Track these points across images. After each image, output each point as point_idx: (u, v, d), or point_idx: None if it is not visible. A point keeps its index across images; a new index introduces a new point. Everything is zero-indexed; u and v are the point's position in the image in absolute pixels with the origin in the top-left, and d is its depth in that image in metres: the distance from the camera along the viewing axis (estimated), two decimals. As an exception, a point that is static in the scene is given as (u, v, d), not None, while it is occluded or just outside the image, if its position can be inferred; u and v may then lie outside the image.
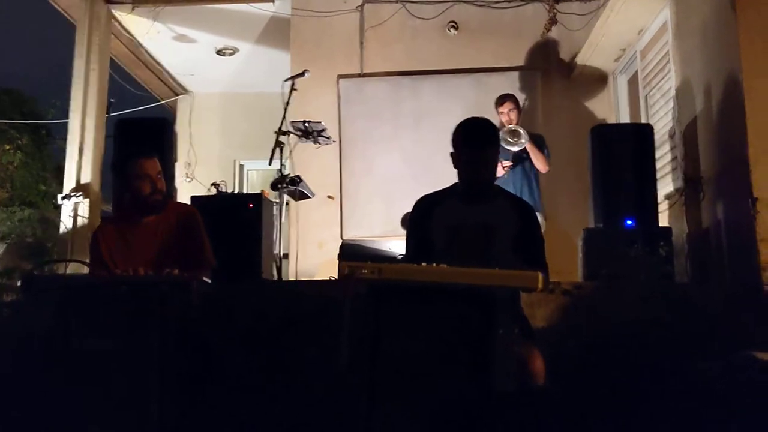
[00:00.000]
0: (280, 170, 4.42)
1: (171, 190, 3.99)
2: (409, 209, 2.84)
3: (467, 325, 2.20)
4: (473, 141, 2.61)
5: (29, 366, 2.77)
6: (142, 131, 4.27)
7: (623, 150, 4.31)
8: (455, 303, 2.23)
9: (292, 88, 4.62)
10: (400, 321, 2.27)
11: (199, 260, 3.11)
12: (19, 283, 2.93)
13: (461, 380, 2.18)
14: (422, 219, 2.71)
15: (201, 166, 8.61)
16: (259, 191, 4.44)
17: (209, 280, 3.00)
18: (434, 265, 2.30)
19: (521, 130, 4.87)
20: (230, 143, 8.84)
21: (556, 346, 3.13)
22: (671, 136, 4.96)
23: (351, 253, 4.50)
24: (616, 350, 3.25)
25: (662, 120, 5.25)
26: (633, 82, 6.20)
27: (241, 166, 9.16)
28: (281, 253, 4.47)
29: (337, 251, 4.91)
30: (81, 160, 6.18)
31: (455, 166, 2.70)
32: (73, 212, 6.06)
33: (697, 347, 3.09)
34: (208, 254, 3.18)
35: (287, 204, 5.92)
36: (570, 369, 3.10)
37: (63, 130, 6.85)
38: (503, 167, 4.78)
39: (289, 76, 4.79)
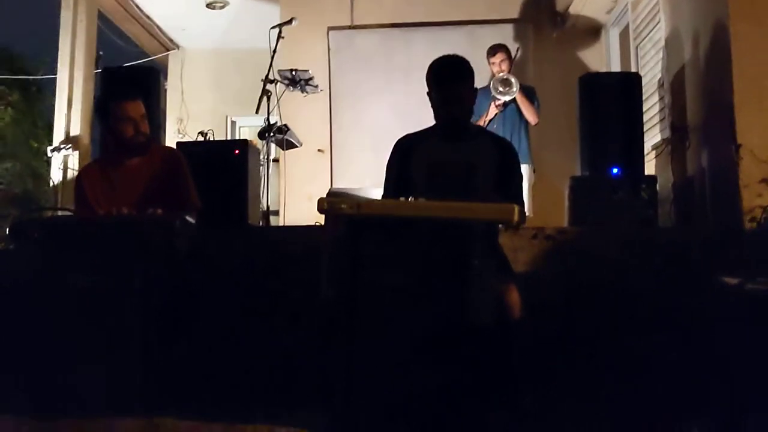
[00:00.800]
0: (267, 119, 4.41)
1: (157, 136, 3.98)
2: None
3: (443, 258, 2.23)
4: (445, 77, 2.62)
5: (18, 306, 2.81)
6: (128, 79, 4.25)
7: (611, 98, 4.29)
8: (432, 236, 2.27)
9: (279, 36, 4.59)
10: (378, 254, 2.30)
11: (184, 202, 3.13)
12: (7, 231, 2.95)
13: (438, 311, 2.21)
14: (403, 157, 2.73)
15: (193, 122, 8.52)
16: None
17: (193, 221, 3.04)
18: (411, 199, 2.34)
19: (513, 79, 4.85)
20: (222, 99, 8.77)
21: (539, 289, 3.17)
22: (660, 86, 4.95)
23: (338, 200, 4.50)
24: (599, 292, 3.30)
25: (652, 71, 5.23)
26: (625, 35, 6.16)
27: (233, 123, 9.11)
28: (269, 206, 4.48)
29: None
30: (70, 112, 6.16)
31: (432, 106, 2.71)
32: (62, 164, 6.06)
33: (679, 286, 3.12)
34: (192, 196, 3.20)
35: (276, 160, 5.93)
36: (552, 311, 3.16)
37: (53, 86, 6.81)
38: (496, 106, 4.78)
39: (276, 24, 4.75)
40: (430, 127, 2.79)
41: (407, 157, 2.72)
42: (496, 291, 2.34)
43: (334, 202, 2.34)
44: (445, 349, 2.20)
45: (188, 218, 2.98)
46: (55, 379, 2.56)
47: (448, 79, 2.62)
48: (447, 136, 2.70)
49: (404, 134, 2.84)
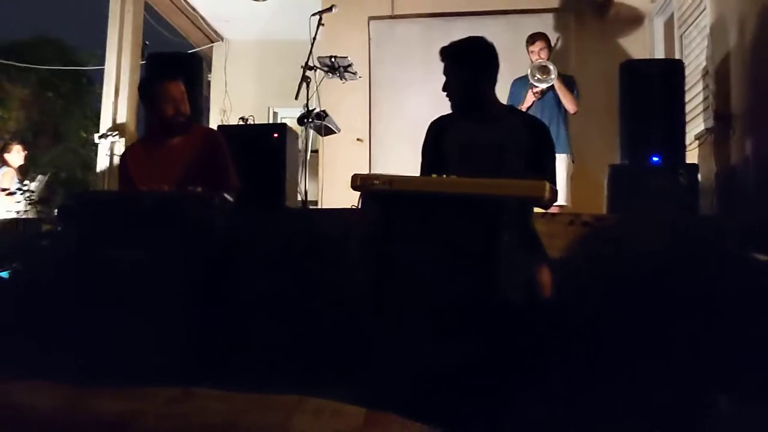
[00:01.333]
0: (306, 105, 4.46)
1: (199, 121, 4.07)
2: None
3: (474, 233, 2.24)
4: (444, 58, 2.67)
5: (62, 278, 2.91)
6: (172, 63, 4.35)
7: (652, 85, 4.24)
8: (463, 212, 2.28)
9: (320, 23, 4.64)
10: (409, 230, 2.32)
11: (223, 181, 3.21)
12: (55, 212, 3.06)
13: (468, 287, 2.23)
14: (436, 139, 2.75)
15: (236, 113, 8.63)
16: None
17: (232, 200, 3.10)
18: (443, 176, 2.36)
19: (551, 66, 4.80)
20: (264, 90, 8.88)
21: (574, 275, 3.15)
22: (705, 75, 4.85)
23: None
24: (635, 279, 3.25)
25: (697, 59, 5.13)
26: (669, 25, 6.04)
27: (275, 114, 9.22)
28: (307, 195, 4.53)
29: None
30: (117, 100, 6.34)
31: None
32: (109, 151, 6.23)
33: (717, 275, 3.06)
34: (231, 177, 3.28)
35: (315, 151, 5.98)
36: (587, 297, 3.13)
37: (103, 78, 7.00)
38: (533, 93, 4.76)
39: (316, 11, 4.79)
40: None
41: (440, 139, 2.74)
42: (526, 268, 2.34)
43: (367, 178, 2.37)
44: (474, 325, 2.21)
45: (227, 196, 3.05)
46: (94, 349, 2.65)
47: (448, 60, 2.66)
48: (474, 117, 2.71)
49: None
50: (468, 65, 2.69)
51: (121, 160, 3.35)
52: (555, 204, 4.68)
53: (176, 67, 4.05)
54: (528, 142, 2.66)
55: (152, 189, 2.94)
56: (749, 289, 2.33)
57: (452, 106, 2.77)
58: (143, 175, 3.14)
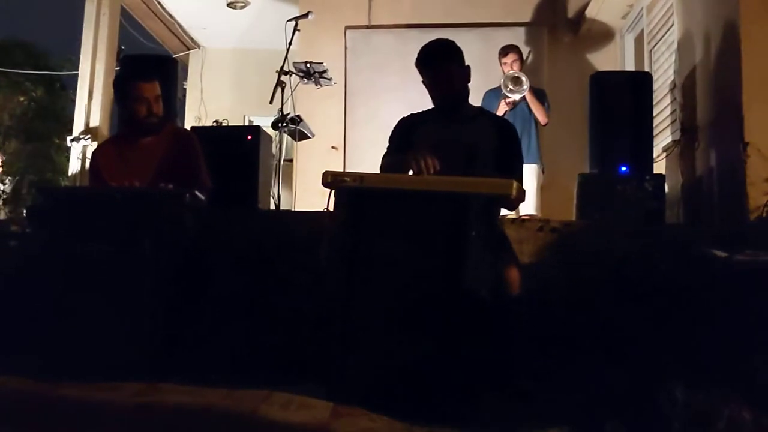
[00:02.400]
0: (281, 110, 4.49)
1: (172, 120, 4.07)
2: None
3: (442, 229, 2.27)
4: (429, 59, 2.72)
5: (29, 272, 2.89)
6: (147, 64, 4.35)
7: (621, 97, 4.33)
8: (431, 208, 2.31)
9: (295, 29, 4.68)
10: (378, 226, 2.35)
11: (195, 181, 3.21)
12: (24, 213, 3.04)
13: (435, 283, 2.26)
14: (405, 135, 2.79)
15: (211, 120, 8.65)
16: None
17: (203, 198, 3.11)
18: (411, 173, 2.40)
19: (523, 77, 4.89)
20: (240, 98, 8.88)
21: (543, 280, 3.20)
22: (672, 89, 4.97)
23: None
24: (602, 284, 3.31)
25: (665, 74, 5.26)
26: (639, 41, 6.19)
27: (251, 121, 9.21)
28: (280, 199, 4.54)
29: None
30: (90, 103, 6.29)
31: (428, 93, 2.78)
32: (81, 154, 6.18)
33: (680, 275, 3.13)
34: (203, 176, 3.28)
35: (289, 160, 6.00)
36: (555, 300, 3.18)
37: (76, 84, 6.96)
38: (506, 104, 4.84)
39: (292, 17, 4.83)
40: (432, 109, 2.85)
41: (409, 136, 2.78)
42: (494, 266, 2.38)
43: (337, 175, 2.40)
44: (440, 321, 2.24)
45: (198, 195, 3.05)
46: (61, 343, 2.63)
47: (433, 60, 2.71)
48: (445, 118, 2.76)
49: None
50: (453, 62, 2.73)
51: (92, 157, 3.34)
52: (524, 214, 4.79)
53: (152, 68, 4.04)
54: (496, 142, 2.71)
55: (122, 185, 2.93)
56: (708, 284, 2.40)
57: (435, 103, 2.79)
58: (113, 173, 3.13)
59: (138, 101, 3.19)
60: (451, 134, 2.73)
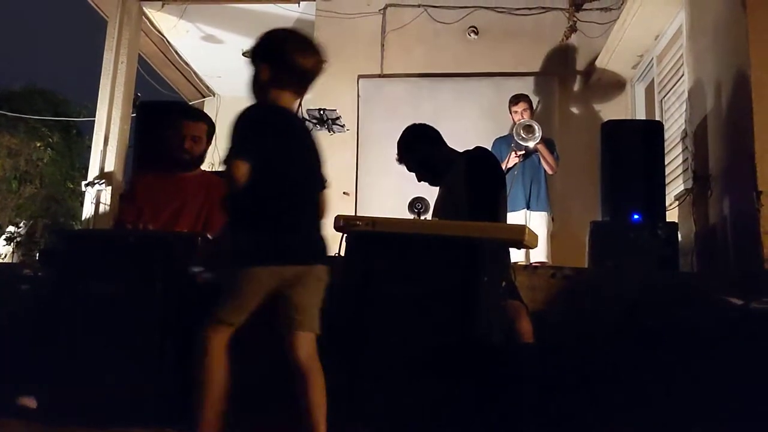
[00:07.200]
0: (294, 155, 4.50)
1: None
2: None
3: (454, 275, 2.26)
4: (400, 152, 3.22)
5: (38, 314, 2.89)
6: (165, 113, 4.38)
7: (633, 145, 4.33)
8: (444, 254, 2.31)
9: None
10: (390, 270, 2.34)
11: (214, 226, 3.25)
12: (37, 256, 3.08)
13: (446, 327, 2.24)
14: None
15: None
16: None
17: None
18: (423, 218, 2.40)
19: (536, 126, 4.93)
20: (254, 145, 8.95)
21: (556, 328, 3.16)
22: (683, 138, 4.98)
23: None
24: (615, 332, 3.27)
25: (676, 123, 5.28)
26: (650, 91, 6.23)
27: (263, 168, 9.30)
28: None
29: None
30: (105, 149, 6.38)
31: None
32: (95, 199, 6.24)
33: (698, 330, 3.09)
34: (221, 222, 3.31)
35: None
36: (567, 349, 3.13)
37: (93, 130, 7.07)
38: (516, 156, 4.86)
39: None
40: None
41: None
42: (505, 312, 2.35)
43: (349, 219, 2.41)
44: (451, 366, 2.21)
45: (210, 237, 3.06)
46: (68, 387, 2.61)
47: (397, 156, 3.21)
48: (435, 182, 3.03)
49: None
50: (409, 154, 3.08)
51: (131, 184, 3.54)
52: (536, 261, 4.76)
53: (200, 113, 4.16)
54: (465, 174, 2.78)
55: (136, 226, 2.98)
56: (724, 332, 2.36)
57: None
58: (147, 205, 3.24)
59: (180, 136, 3.35)
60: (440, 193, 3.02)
